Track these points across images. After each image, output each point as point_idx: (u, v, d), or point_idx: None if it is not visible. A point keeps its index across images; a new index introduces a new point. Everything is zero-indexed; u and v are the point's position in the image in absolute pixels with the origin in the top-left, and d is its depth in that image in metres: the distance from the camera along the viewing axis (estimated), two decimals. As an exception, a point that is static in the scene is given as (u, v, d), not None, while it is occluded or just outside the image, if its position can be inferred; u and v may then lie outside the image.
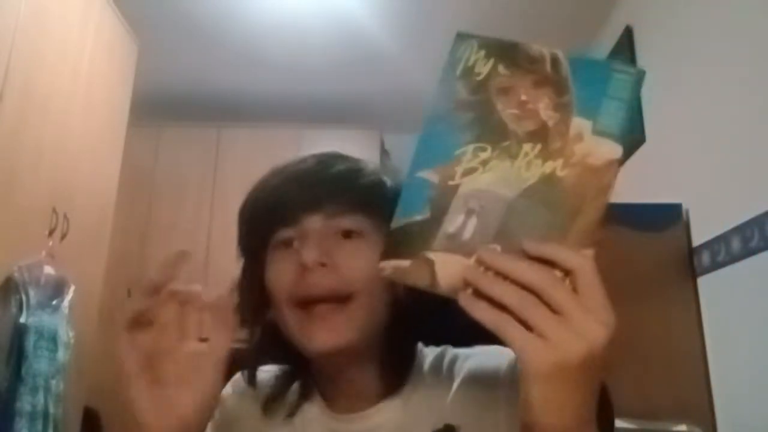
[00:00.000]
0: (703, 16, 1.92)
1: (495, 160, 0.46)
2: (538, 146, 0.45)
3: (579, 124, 0.45)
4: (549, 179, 0.45)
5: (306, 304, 0.60)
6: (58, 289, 1.91)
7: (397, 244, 0.46)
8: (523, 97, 0.46)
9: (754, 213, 1.57)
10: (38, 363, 1.77)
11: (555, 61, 0.47)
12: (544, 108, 0.46)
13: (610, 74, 0.46)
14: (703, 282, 1.85)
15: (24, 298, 1.75)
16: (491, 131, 0.46)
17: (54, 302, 1.88)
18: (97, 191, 2.31)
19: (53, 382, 1.82)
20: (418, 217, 0.46)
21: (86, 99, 2.20)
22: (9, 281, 1.74)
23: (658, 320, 1.84)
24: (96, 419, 2.79)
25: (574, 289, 0.42)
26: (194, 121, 3.55)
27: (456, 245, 0.45)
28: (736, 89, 1.71)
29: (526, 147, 0.46)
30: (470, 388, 0.63)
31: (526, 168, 0.45)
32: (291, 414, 0.67)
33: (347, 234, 0.62)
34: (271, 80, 3.35)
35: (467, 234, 0.45)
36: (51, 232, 1.94)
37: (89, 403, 2.40)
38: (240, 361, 0.71)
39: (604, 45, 2.75)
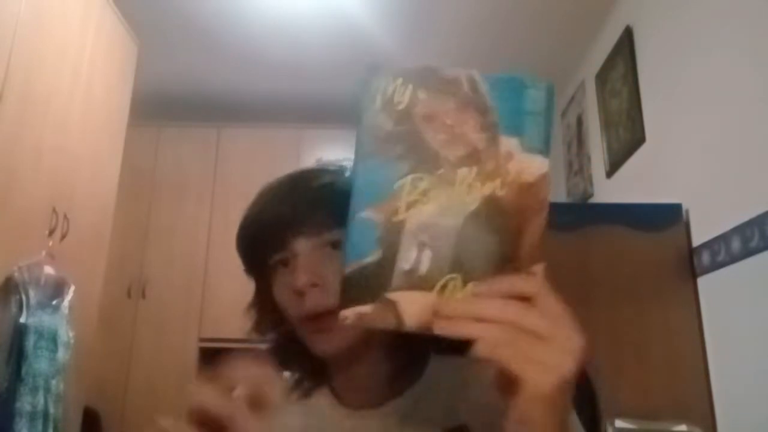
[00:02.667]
0: (703, 16, 1.92)
1: (434, 189, 0.46)
2: (474, 169, 0.46)
3: (507, 142, 0.46)
4: (490, 201, 0.46)
5: (309, 319, 0.65)
6: (58, 289, 1.91)
7: (354, 289, 0.46)
8: (449, 122, 0.46)
9: (754, 213, 1.57)
10: (38, 363, 1.77)
11: (472, 81, 0.47)
12: (471, 130, 0.46)
13: (523, 90, 0.47)
14: (703, 282, 1.85)
15: (24, 298, 1.75)
16: (425, 160, 0.46)
17: (54, 302, 1.88)
18: (97, 191, 2.31)
19: (53, 382, 1.82)
20: (370, 259, 0.45)
21: (86, 99, 2.20)
22: (9, 281, 1.74)
23: (658, 320, 1.84)
24: (96, 419, 2.80)
25: (535, 307, 0.44)
26: (194, 121, 3.55)
27: (414, 281, 0.45)
28: (736, 89, 1.71)
29: (462, 172, 0.46)
30: (483, 394, 0.65)
31: (467, 192, 0.46)
32: (306, 395, 0.71)
33: (336, 244, 0.65)
34: (271, 80, 3.35)
35: (423, 268, 0.45)
36: (51, 232, 1.95)
37: (89, 403, 2.40)
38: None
39: (604, 45, 2.76)
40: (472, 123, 0.46)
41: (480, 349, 0.43)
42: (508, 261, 0.45)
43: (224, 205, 3.29)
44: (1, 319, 1.71)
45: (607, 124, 2.69)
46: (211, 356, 3.15)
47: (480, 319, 0.44)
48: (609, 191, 2.67)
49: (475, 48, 2.97)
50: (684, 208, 1.95)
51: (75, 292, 1.97)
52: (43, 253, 1.88)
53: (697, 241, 1.88)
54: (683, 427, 1.68)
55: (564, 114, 3.34)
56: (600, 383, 0.98)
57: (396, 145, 0.46)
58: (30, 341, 1.75)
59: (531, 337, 0.43)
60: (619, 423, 1.67)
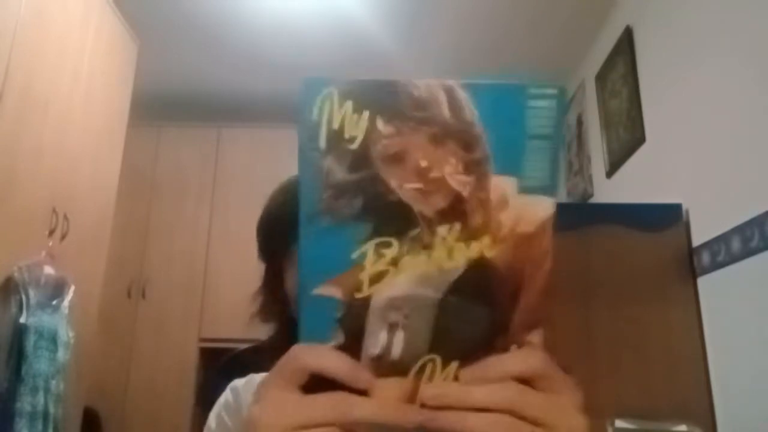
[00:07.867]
0: (703, 16, 1.92)
1: (406, 255, 0.35)
2: (457, 226, 0.35)
3: (500, 184, 0.35)
4: (478, 264, 0.35)
5: None
6: (58, 289, 1.91)
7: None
8: (423, 163, 0.34)
9: (754, 213, 1.57)
10: (38, 363, 1.77)
11: (453, 99, 0.34)
12: (452, 172, 0.34)
13: (526, 103, 0.35)
14: (703, 282, 1.85)
15: (24, 298, 1.75)
16: (391, 218, 0.34)
17: (54, 302, 1.88)
18: (97, 191, 2.31)
19: (53, 383, 1.82)
20: (331, 345, 0.36)
21: (86, 99, 2.20)
22: (9, 281, 1.74)
23: (658, 320, 1.84)
24: (96, 419, 2.80)
25: (535, 388, 0.38)
26: (194, 121, 3.55)
27: (386, 367, 0.36)
28: (736, 89, 1.71)
29: (441, 230, 0.35)
30: None
31: (448, 257, 0.35)
32: None
33: None
34: (271, 80, 3.35)
35: (396, 352, 0.36)
36: (51, 232, 1.95)
37: (89, 403, 2.40)
38: (261, 359, 0.75)
39: (604, 45, 2.75)
40: (453, 162, 0.34)
41: None
42: (499, 333, 0.37)
43: (224, 205, 3.29)
44: (1, 319, 1.71)
45: (607, 124, 2.69)
46: (211, 356, 3.16)
47: (472, 408, 0.36)
48: (609, 191, 2.67)
49: (475, 48, 2.97)
50: (684, 208, 1.95)
51: (75, 292, 1.97)
52: (43, 253, 1.88)
53: (697, 241, 1.88)
54: (683, 427, 1.68)
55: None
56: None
57: (351, 199, 0.34)
58: (30, 341, 1.75)
59: (532, 428, 0.37)
60: (619, 423, 1.67)
